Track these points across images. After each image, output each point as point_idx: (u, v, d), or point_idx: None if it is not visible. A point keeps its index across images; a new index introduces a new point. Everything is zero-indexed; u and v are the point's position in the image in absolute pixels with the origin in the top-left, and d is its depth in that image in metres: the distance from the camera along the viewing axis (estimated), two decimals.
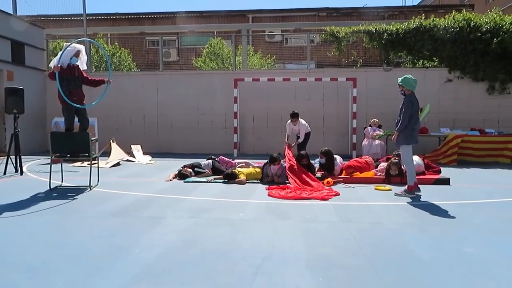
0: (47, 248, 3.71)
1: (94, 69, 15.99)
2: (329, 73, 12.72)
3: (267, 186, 6.87)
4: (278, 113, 12.64)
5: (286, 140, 9.14)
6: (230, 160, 8.67)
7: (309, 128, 9.35)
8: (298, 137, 9.37)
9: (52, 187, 6.51)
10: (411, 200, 5.88)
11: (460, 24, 12.03)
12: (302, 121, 9.31)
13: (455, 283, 2.99)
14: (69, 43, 7.14)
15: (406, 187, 6.20)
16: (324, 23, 17.36)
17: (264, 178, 7.41)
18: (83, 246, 3.77)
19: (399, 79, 6.11)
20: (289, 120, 9.32)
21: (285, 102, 12.29)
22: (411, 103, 6.01)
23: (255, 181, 7.40)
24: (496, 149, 10.37)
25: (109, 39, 20.16)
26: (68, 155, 6.84)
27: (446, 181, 7.35)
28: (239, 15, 22.82)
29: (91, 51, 15.52)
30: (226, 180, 7.32)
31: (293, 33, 20.81)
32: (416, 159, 7.93)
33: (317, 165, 7.93)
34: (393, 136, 6.27)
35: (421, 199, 5.98)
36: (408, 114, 6.00)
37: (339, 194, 6.26)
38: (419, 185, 6.17)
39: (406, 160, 6.23)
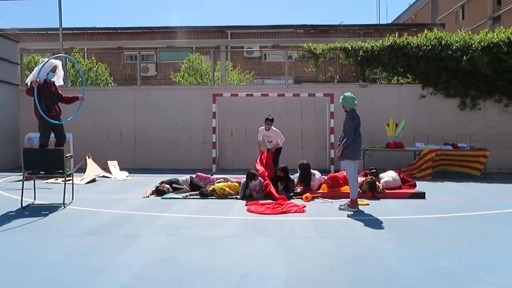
0: (18, 269, 3.57)
1: (70, 84, 15.71)
2: (306, 89, 12.90)
3: (246, 201, 6.84)
4: (256, 128, 12.56)
5: (259, 147, 9.18)
6: (208, 175, 8.61)
7: (283, 137, 9.39)
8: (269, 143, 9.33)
9: (24, 205, 6.29)
10: (381, 217, 5.96)
11: (432, 42, 12.44)
12: (275, 128, 9.36)
13: None
14: (47, 59, 7.04)
15: (349, 200, 6.33)
16: (301, 40, 17.64)
17: (241, 194, 7.31)
18: (55, 267, 3.65)
19: (340, 98, 6.46)
20: (262, 126, 9.33)
21: (264, 117, 12.21)
22: (352, 119, 6.27)
23: (234, 197, 7.34)
24: (468, 161, 10.71)
25: (86, 53, 19.91)
26: (42, 172, 6.65)
27: (421, 195, 7.49)
28: (218, 31, 22.99)
29: (67, 66, 15.29)
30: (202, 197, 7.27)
31: (271, 49, 21.05)
32: (393, 174, 8.10)
33: (296, 180, 7.95)
34: (337, 151, 6.48)
35: (397, 213, 6.08)
36: (353, 129, 6.23)
37: (303, 211, 6.25)
38: (395, 198, 6.28)
39: (349, 175, 6.41)
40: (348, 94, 6.40)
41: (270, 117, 9.34)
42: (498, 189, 9.05)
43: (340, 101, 6.42)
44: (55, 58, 7.40)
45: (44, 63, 6.85)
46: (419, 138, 12.34)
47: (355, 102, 6.38)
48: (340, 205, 6.41)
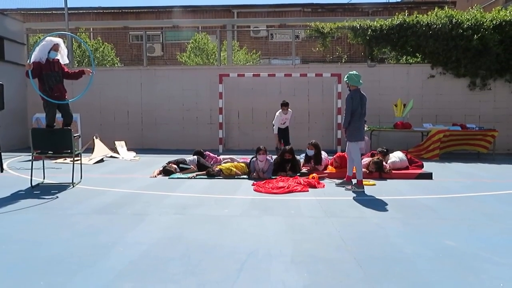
0: (28, 247, 3.65)
1: (77, 64, 15.69)
2: (314, 69, 12.76)
3: (253, 181, 6.87)
4: (263, 108, 12.65)
5: (277, 133, 9.30)
6: (216, 156, 8.64)
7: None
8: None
9: (33, 184, 6.39)
10: (386, 197, 5.97)
11: (442, 21, 12.17)
12: (289, 109, 9.63)
13: (437, 276, 3.05)
14: (43, 37, 6.94)
15: (356, 181, 6.39)
16: (309, 19, 17.35)
17: (252, 173, 7.40)
18: (65, 244, 3.72)
19: (345, 77, 6.45)
20: (279, 110, 9.50)
21: (270, 97, 12.29)
22: (350, 99, 6.24)
23: (242, 176, 7.39)
24: (474, 139, 10.63)
25: (91, 33, 19.79)
26: (50, 152, 6.71)
27: (428, 176, 7.47)
28: (224, 10, 22.68)
29: (73, 46, 15.24)
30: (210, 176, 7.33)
31: (278, 29, 20.79)
32: (400, 155, 8.06)
33: (302, 160, 7.96)
34: (342, 133, 6.46)
35: (404, 194, 6.08)
36: (350, 110, 6.20)
37: (321, 186, 6.47)
38: (402, 179, 6.26)
39: (353, 156, 6.42)
40: (353, 72, 6.36)
41: (285, 101, 9.55)
42: (506, 170, 8.98)
43: (345, 79, 6.41)
44: (59, 37, 7.30)
45: (39, 42, 6.75)
46: (427, 118, 12.23)
47: (360, 81, 6.32)
48: (346, 187, 6.46)
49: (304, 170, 7.60)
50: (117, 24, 21.70)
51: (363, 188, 6.30)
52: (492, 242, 3.84)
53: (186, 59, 18.67)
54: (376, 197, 5.84)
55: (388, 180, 7.21)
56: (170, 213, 4.87)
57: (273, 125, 9.63)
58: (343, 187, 6.49)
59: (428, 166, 8.32)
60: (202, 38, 19.00)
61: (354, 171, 6.45)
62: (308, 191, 6.21)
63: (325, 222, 4.49)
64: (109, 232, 4.10)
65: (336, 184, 6.73)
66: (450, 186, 6.73)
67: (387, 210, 5.06)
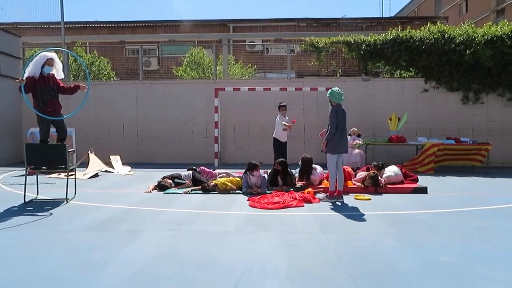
0: (21, 264, 3.61)
1: (72, 78, 15.73)
2: (309, 83, 12.87)
3: (248, 196, 6.86)
4: (259, 122, 12.70)
5: (286, 124, 9.47)
6: (211, 170, 8.63)
7: None
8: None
9: (27, 200, 6.33)
10: (384, 211, 5.97)
11: (435, 36, 12.36)
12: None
13: None
14: (37, 53, 6.96)
15: (328, 192, 6.64)
16: (304, 33, 17.58)
17: (244, 188, 7.37)
18: (58, 262, 3.68)
19: (327, 93, 6.70)
20: (278, 115, 9.69)
21: (266, 111, 12.34)
22: (335, 113, 6.48)
23: (237, 191, 7.37)
24: (469, 153, 10.69)
25: (88, 47, 19.89)
26: (44, 167, 6.67)
27: (423, 190, 7.49)
28: (220, 25, 22.93)
29: (69, 60, 15.29)
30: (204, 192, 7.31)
31: (273, 43, 20.99)
32: (395, 169, 8.09)
33: (297, 175, 7.95)
34: (322, 144, 6.67)
35: (399, 208, 6.09)
36: (335, 123, 6.43)
37: (316, 201, 6.47)
38: (397, 193, 6.29)
39: (328, 167, 6.61)
40: (335, 89, 6.65)
41: (283, 103, 9.80)
42: (501, 183, 9.04)
43: (328, 95, 6.67)
44: (56, 52, 7.32)
45: (32, 58, 6.77)
46: (422, 132, 12.33)
47: (342, 97, 6.58)
48: (320, 198, 6.67)
49: (299, 184, 7.60)
50: (114, 38, 21.86)
51: (336, 199, 6.50)
52: (487, 257, 3.85)
53: (182, 73, 18.77)
54: (371, 212, 5.84)
55: (383, 195, 7.23)
56: (165, 229, 4.84)
57: (274, 133, 9.73)
58: (324, 200, 6.61)
59: (423, 180, 8.36)
60: (198, 52, 19.14)
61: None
62: (303, 206, 6.21)
63: (320, 238, 4.48)
64: (103, 249, 4.06)
65: (320, 199, 6.73)
66: (445, 200, 6.75)
67: (382, 225, 5.06)
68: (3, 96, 12.53)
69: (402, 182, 7.94)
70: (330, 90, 6.67)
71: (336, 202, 6.45)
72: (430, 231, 4.82)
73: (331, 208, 6.11)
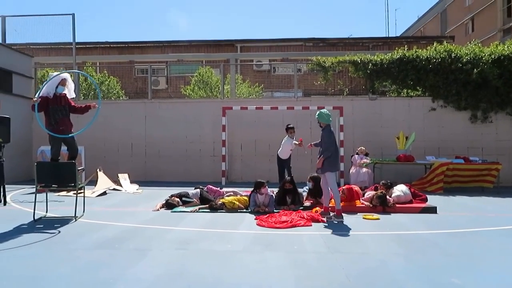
0: (28, 283, 3.62)
1: (83, 97, 15.98)
2: (316, 102, 12.93)
3: (255, 215, 6.84)
4: (266, 140, 12.73)
5: (297, 143, 9.42)
6: (218, 189, 8.64)
7: None
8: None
9: (36, 218, 6.37)
10: (395, 231, 5.91)
11: (441, 55, 12.42)
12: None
13: None
14: (54, 74, 7.18)
15: (334, 211, 6.60)
16: (311, 53, 17.78)
17: (252, 207, 7.34)
18: (65, 281, 3.68)
19: (316, 114, 6.84)
20: (286, 136, 9.67)
21: (273, 130, 12.38)
22: (330, 132, 6.66)
23: (244, 210, 7.35)
24: (480, 175, 10.55)
25: (98, 67, 20.26)
26: (54, 185, 6.74)
27: (433, 210, 7.41)
28: (228, 45, 23.26)
29: (80, 79, 15.55)
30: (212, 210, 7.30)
31: (280, 62, 21.21)
32: (404, 188, 8.03)
33: (305, 194, 7.93)
34: (317, 163, 6.66)
35: (408, 228, 6.02)
36: (332, 142, 6.57)
37: (324, 221, 6.40)
38: (406, 213, 6.24)
39: (331, 186, 6.66)
40: (324, 110, 6.82)
41: (291, 125, 9.81)
42: (511, 203, 8.91)
43: (316, 116, 6.81)
44: (67, 73, 7.54)
45: (50, 78, 6.99)
46: (430, 151, 12.25)
47: (330, 119, 6.76)
48: (327, 217, 6.61)
49: (307, 203, 7.56)
50: (123, 58, 22.25)
51: (343, 217, 6.47)
52: (498, 279, 3.78)
53: (190, 92, 18.98)
54: (380, 232, 5.78)
55: (392, 214, 7.16)
56: (172, 248, 4.84)
57: (278, 152, 9.74)
58: (331, 219, 6.53)
59: (432, 200, 8.27)
60: (206, 72, 19.37)
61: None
62: (311, 225, 6.16)
63: (328, 258, 4.44)
64: (111, 268, 4.06)
65: (327, 218, 6.65)
66: (455, 220, 6.67)
67: (391, 246, 5.00)
68: (15, 115, 12.68)
69: (411, 202, 7.86)
70: (318, 112, 6.80)
71: (334, 221, 6.42)
72: (440, 251, 4.75)
73: (339, 228, 6.06)
